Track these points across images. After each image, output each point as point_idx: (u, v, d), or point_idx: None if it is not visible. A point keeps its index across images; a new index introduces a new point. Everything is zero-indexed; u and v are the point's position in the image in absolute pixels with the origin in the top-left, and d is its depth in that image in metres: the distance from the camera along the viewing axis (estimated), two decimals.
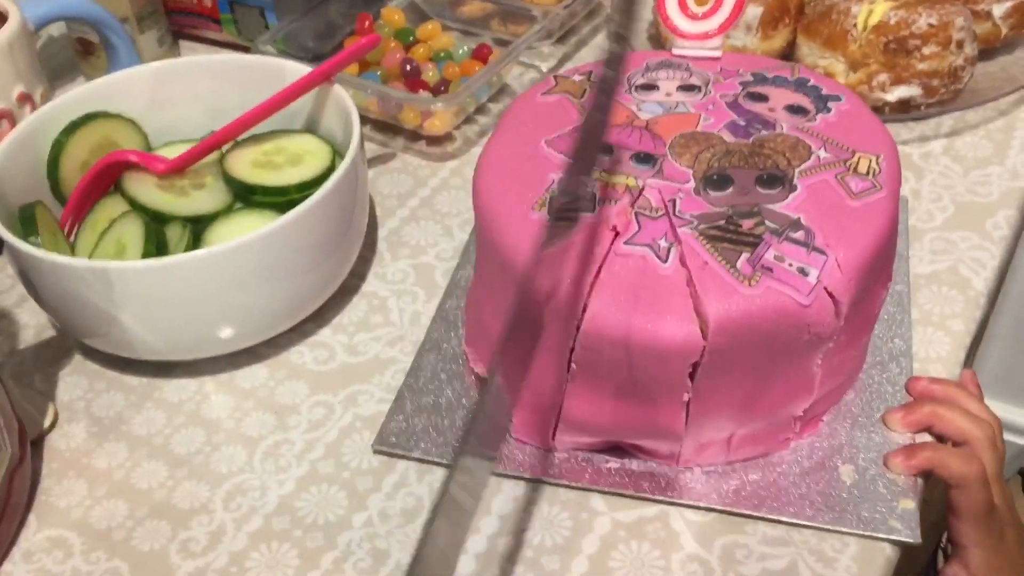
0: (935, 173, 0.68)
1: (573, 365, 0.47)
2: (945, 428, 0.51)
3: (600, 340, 0.45)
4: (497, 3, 0.82)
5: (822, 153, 0.50)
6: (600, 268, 0.46)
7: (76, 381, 0.58)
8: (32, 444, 0.54)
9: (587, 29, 0.87)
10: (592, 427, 0.50)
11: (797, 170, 0.49)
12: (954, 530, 0.51)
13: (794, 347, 0.46)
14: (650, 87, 0.56)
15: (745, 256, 0.46)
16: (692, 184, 0.49)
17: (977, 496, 0.49)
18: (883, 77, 0.70)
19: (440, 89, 0.75)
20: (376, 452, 0.53)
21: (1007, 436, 1.45)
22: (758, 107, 0.53)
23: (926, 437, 0.52)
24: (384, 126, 0.76)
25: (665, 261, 0.46)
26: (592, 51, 0.85)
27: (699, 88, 0.55)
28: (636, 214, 0.47)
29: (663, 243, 0.46)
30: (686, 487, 0.50)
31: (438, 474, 0.52)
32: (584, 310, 0.45)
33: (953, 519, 0.51)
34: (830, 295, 0.45)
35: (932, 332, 0.57)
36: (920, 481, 0.50)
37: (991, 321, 1.35)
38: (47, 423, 0.55)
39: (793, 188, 0.48)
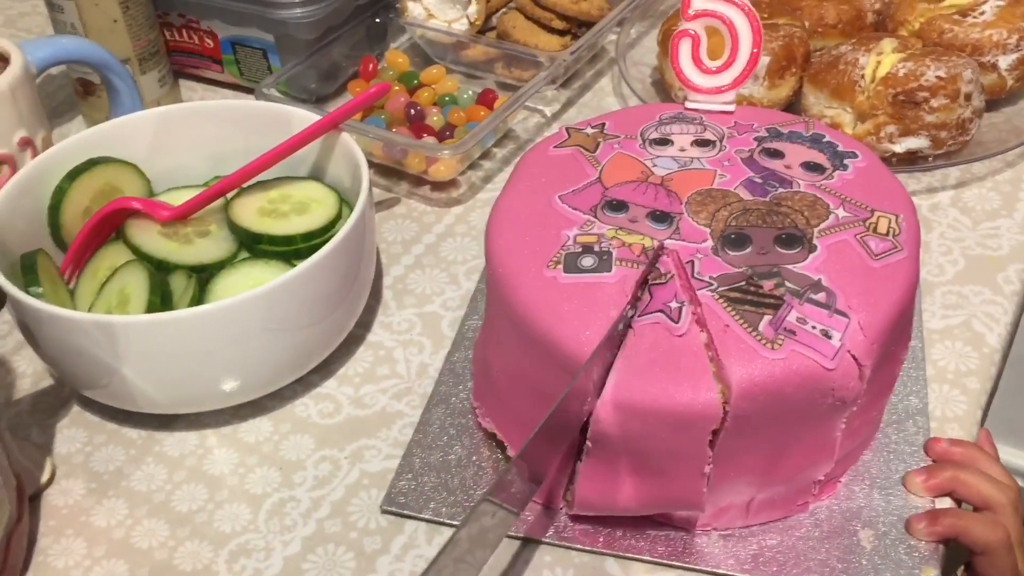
0: (944, 225, 0.68)
1: (588, 444, 0.46)
2: (968, 493, 0.50)
3: (617, 413, 0.44)
4: (501, 48, 0.81)
5: (840, 212, 0.50)
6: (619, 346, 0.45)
7: (74, 434, 0.57)
8: (30, 500, 0.52)
9: (591, 73, 0.87)
10: (607, 507, 0.49)
11: (816, 229, 0.49)
12: None
13: (817, 411, 0.46)
14: (664, 142, 0.55)
15: (767, 318, 0.45)
16: (710, 243, 0.48)
17: (1003, 563, 0.48)
18: (891, 128, 0.70)
19: (445, 134, 0.74)
20: (384, 512, 0.52)
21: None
22: (774, 163, 0.53)
23: (946, 500, 0.51)
24: (388, 170, 0.75)
25: (677, 321, 0.45)
26: (596, 95, 0.85)
27: (714, 143, 0.55)
28: (648, 288, 0.46)
29: (674, 304, 0.45)
30: (703, 552, 0.49)
31: (448, 535, 0.50)
32: (601, 386, 0.44)
33: None
34: (854, 358, 0.45)
35: (948, 390, 0.57)
36: (942, 548, 0.49)
37: (1006, 371, 1.36)
38: (45, 478, 0.54)
39: (813, 248, 0.48)
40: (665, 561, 0.49)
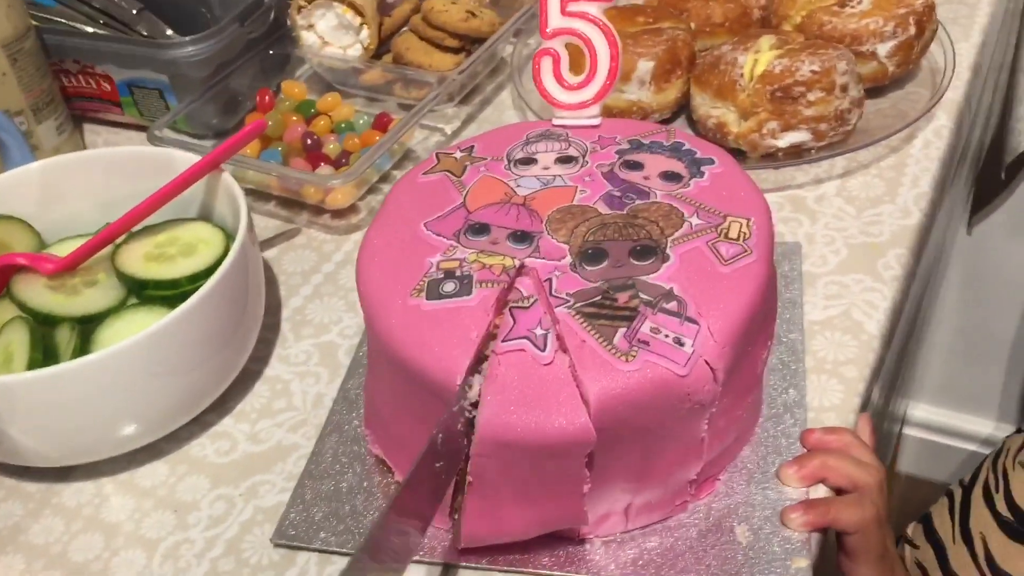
0: (828, 216, 0.69)
1: (469, 479, 0.47)
2: (837, 478, 0.52)
3: (494, 447, 0.45)
4: (395, 71, 0.82)
5: (695, 220, 0.51)
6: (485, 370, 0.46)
7: None
8: None
9: (491, 87, 0.88)
10: (495, 537, 0.50)
11: (670, 239, 0.50)
12: (851, 573, 0.52)
13: (677, 416, 0.47)
14: (529, 161, 0.56)
15: (622, 331, 0.46)
16: (569, 260, 0.50)
17: (873, 538, 0.50)
18: (773, 124, 0.71)
19: (341, 162, 0.75)
20: (276, 545, 0.53)
21: (953, 442, 1.49)
22: (633, 175, 0.54)
23: (821, 488, 0.52)
24: (288, 202, 0.76)
25: (543, 349, 0.46)
26: (496, 109, 0.86)
27: (576, 159, 0.56)
28: (510, 309, 0.48)
29: (539, 331, 0.46)
30: (586, 559, 0.51)
31: (339, 564, 0.52)
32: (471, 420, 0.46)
33: (849, 563, 0.52)
34: (707, 363, 0.46)
35: (826, 380, 0.58)
36: (814, 538, 0.50)
37: (931, 331, 1.38)
38: None
39: (666, 258, 0.49)
40: (549, 572, 0.50)
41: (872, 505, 0.52)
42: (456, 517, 0.50)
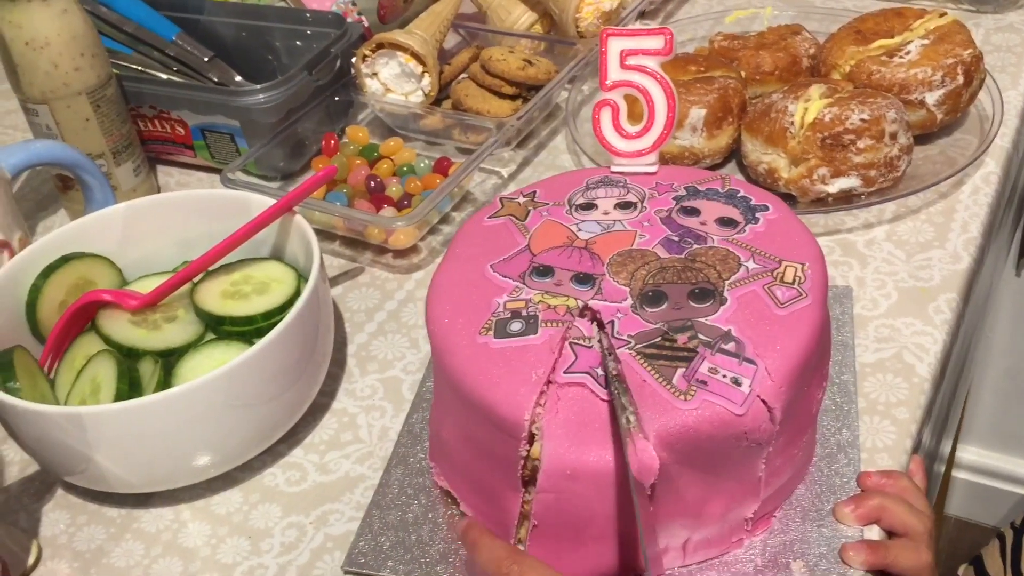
0: (879, 260, 0.71)
1: (534, 522, 0.49)
2: (892, 521, 0.53)
3: (562, 479, 0.47)
4: (454, 117, 0.86)
5: (751, 264, 0.53)
6: (545, 401, 0.48)
7: (58, 516, 0.61)
8: None
9: (546, 132, 0.91)
10: None
11: (727, 282, 0.52)
12: None
13: (735, 455, 0.49)
14: (589, 206, 0.59)
15: (681, 371, 0.48)
16: (630, 302, 0.52)
17: None
18: (823, 171, 0.73)
19: (403, 204, 0.78)
20: (346, 573, 0.55)
21: (1002, 485, 1.47)
22: (690, 221, 0.56)
23: (875, 529, 0.54)
24: (352, 242, 0.79)
25: (606, 387, 0.48)
26: (551, 153, 0.89)
27: (635, 205, 0.58)
28: (571, 344, 0.50)
29: (600, 371, 0.49)
30: None
31: None
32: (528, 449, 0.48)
33: None
34: (764, 402, 0.48)
35: (879, 421, 0.59)
36: None
37: (980, 373, 1.38)
38: (31, 561, 0.57)
39: (724, 301, 0.51)
40: None
41: (926, 552, 0.53)
42: (520, 548, 0.52)
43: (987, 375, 1.42)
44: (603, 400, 0.48)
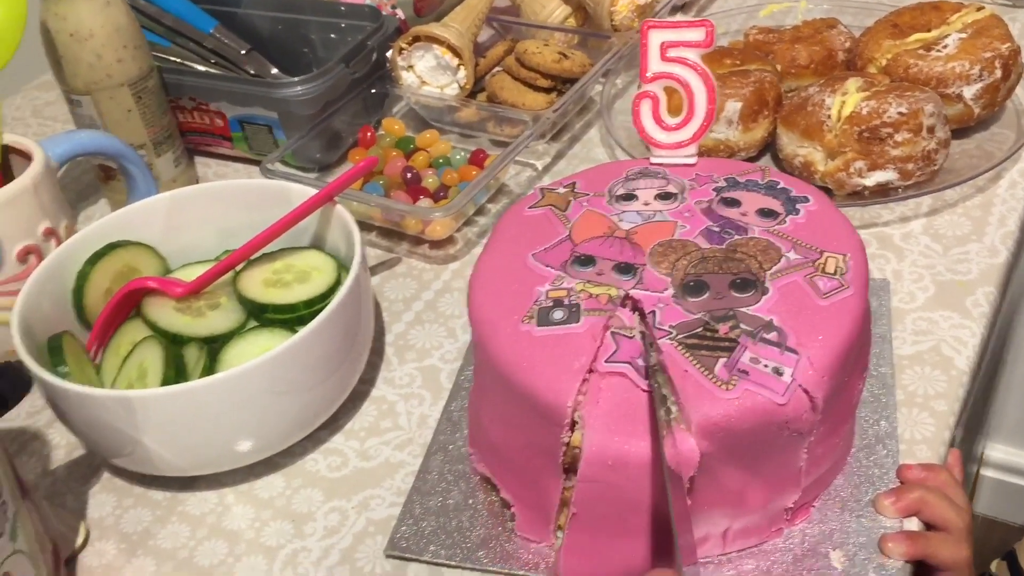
0: (916, 253, 0.71)
1: (573, 510, 0.49)
2: (932, 515, 0.53)
3: (604, 470, 0.48)
4: (490, 109, 0.86)
5: (792, 255, 0.53)
6: (586, 390, 0.49)
7: (105, 498, 0.62)
8: (66, 563, 0.57)
9: (580, 125, 0.92)
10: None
11: (768, 273, 0.52)
12: None
13: (777, 444, 0.49)
14: (630, 197, 0.59)
15: (722, 361, 0.49)
16: (671, 291, 0.52)
17: None
18: (860, 164, 0.73)
19: (440, 195, 0.79)
20: (388, 556, 0.56)
21: None
22: (731, 212, 0.57)
23: (913, 521, 0.54)
24: (388, 232, 0.80)
25: (646, 377, 0.48)
26: (585, 146, 0.89)
27: (675, 196, 0.59)
28: (613, 334, 0.50)
29: (640, 362, 0.49)
30: None
31: (448, 575, 0.54)
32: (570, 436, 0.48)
33: None
34: (805, 392, 0.48)
35: (917, 413, 0.60)
36: (909, 567, 0.52)
37: (1008, 372, 1.37)
38: (79, 541, 0.59)
39: (765, 291, 0.51)
40: None
41: (965, 547, 0.53)
42: (559, 535, 0.53)
43: (1016, 372, 1.41)
44: (643, 390, 0.49)
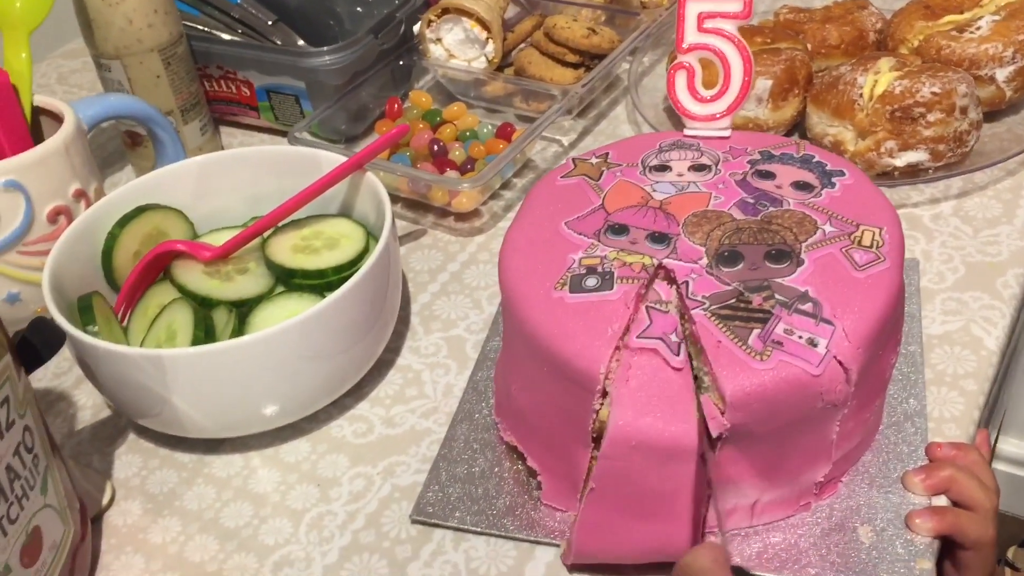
0: (945, 235, 0.71)
1: (592, 485, 0.49)
2: (960, 493, 0.53)
3: (627, 449, 0.48)
4: (518, 83, 0.86)
5: (827, 227, 0.53)
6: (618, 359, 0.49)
7: (131, 459, 0.62)
8: (92, 521, 0.57)
9: (606, 102, 0.91)
10: (605, 555, 0.52)
11: (804, 244, 0.52)
12: None
13: (810, 416, 0.49)
14: (663, 168, 0.59)
15: (756, 332, 0.48)
16: (705, 261, 0.52)
17: (988, 558, 0.51)
18: (891, 144, 0.73)
19: (467, 168, 0.79)
20: (414, 522, 0.56)
21: None
22: (766, 184, 0.57)
23: (941, 498, 0.54)
24: (414, 204, 0.80)
25: (678, 354, 0.48)
26: (611, 123, 0.89)
27: (709, 167, 0.58)
28: (647, 308, 0.50)
29: (674, 338, 0.49)
30: None
31: (473, 541, 0.54)
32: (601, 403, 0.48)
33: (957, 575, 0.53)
34: (840, 363, 0.48)
35: (946, 392, 0.59)
36: (936, 543, 0.51)
37: (1021, 365, 1.36)
38: (105, 501, 0.59)
39: (800, 262, 0.51)
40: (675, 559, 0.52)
41: (991, 526, 0.53)
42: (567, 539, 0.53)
43: None
44: (674, 368, 0.49)
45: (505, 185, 0.81)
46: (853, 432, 0.52)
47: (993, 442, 1.45)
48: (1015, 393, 1.42)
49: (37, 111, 0.72)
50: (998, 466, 1.52)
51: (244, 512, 0.58)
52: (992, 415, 1.31)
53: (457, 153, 0.80)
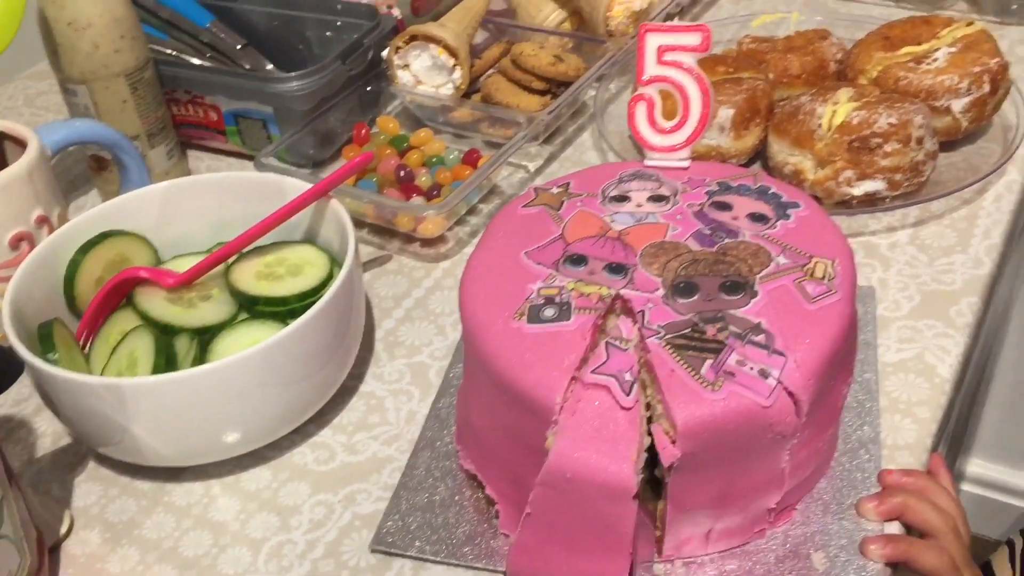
0: (902, 263, 0.72)
1: (528, 510, 0.50)
2: (914, 519, 0.54)
3: (563, 480, 0.48)
4: (484, 110, 0.87)
5: (781, 259, 0.54)
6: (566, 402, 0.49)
7: (91, 488, 0.62)
8: (50, 551, 0.57)
9: (572, 128, 0.92)
10: None
11: (758, 276, 0.53)
12: None
13: (760, 446, 0.50)
14: (623, 198, 0.60)
15: (709, 362, 0.49)
16: (661, 292, 0.53)
17: None
18: (849, 173, 0.74)
19: (433, 193, 0.80)
20: (374, 551, 0.56)
21: (1008, 499, 1.47)
22: (722, 216, 0.57)
23: (895, 525, 0.54)
24: (380, 229, 0.80)
25: (628, 394, 0.49)
26: (577, 149, 0.90)
27: (668, 198, 0.59)
28: (607, 344, 0.51)
29: (628, 376, 0.49)
30: None
31: (433, 571, 0.55)
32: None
33: None
34: (790, 395, 0.49)
35: (900, 419, 0.60)
36: (889, 570, 0.52)
37: (988, 386, 1.38)
38: (64, 530, 0.59)
39: (754, 294, 0.52)
40: None
41: (947, 552, 0.54)
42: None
43: (996, 388, 1.43)
44: (623, 408, 0.49)
45: (471, 211, 0.82)
46: (806, 461, 0.53)
47: (960, 464, 1.47)
48: (980, 415, 1.44)
49: (1, 136, 0.72)
50: (965, 487, 1.53)
51: (203, 541, 0.58)
52: (959, 437, 1.33)
53: (424, 179, 0.81)
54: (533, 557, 0.52)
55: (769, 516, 0.54)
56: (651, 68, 0.61)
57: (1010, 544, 0.89)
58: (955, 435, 0.84)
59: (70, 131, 0.72)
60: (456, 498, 0.58)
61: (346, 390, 0.66)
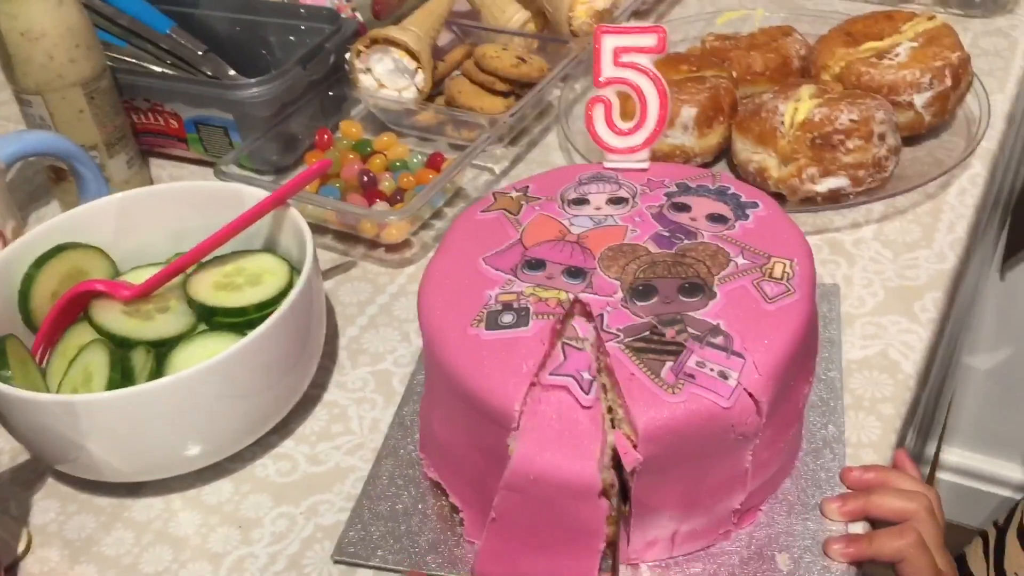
0: (866, 259, 0.72)
1: (492, 515, 0.49)
2: (881, 513, 0.54)
3: (527, 482, 0.48)
4: (448, 113, 0.86)
5: (740, 260, 0.54)
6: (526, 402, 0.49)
7: (49, 504, 0.61)
8: (7, 570, 0.56)
9: (538, 129, 0.92)
10: None
11: (717, 277, 0.53)
12: None
13: (722, 447, 0.49)
14: (582, 201, 0.59)
15: (669, 365, 0.49)
16: (620, 295, 0.52)
17: (919, 563, 0.52)
18: (812, 170, 0.74)
19: (396, 198, 0.79)
20: (336, 562, 0.55)
21: (985, 487, 1.49)
22: (681, 217, 0.57)
23: (859, 525, 0.54)
24: (344, 236, 0.79)
25: (588, 393, 0.48)
26: (542, 150, 0.89)
27: (627, 200, 0.59)
28: (563, 345, 0.50)
29: (586, 375, 0.49)
30: None
31: None
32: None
33: None
34: (750, 395, 0.48)
35: (864, 417, 0.60)
36: (854, 569, 0.52)
37: (964, 376, 1.39)
38: (21, 548, 0.58)
39: (713, 295, 0.52)
40: None
41: (913, 531, 0.53)
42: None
43: (971, 377, 1.43)
44: (584, 407, 0.49)
45: (436, 215, 0.81)
46: (769, 461, 0.53)
47: (935, 453, 1.48)
48: (956, 404, 1.45)
49: None
50: (944, 476, 1.54)
51: (163, 556, 0.57)
52: (933, 425, 1.34)
53: (387, 183, 0.80)
54: (500, 562, 0.52)
55: (734, 517, 0.53)
56: (607, 70, 0.60)
57: (983, 536, 0.90)
58: (926, 423, 0.84)
59: (24, 144, 0.71)
60: (420, 506, 0.57)
61: (309, 399, 0.65)
